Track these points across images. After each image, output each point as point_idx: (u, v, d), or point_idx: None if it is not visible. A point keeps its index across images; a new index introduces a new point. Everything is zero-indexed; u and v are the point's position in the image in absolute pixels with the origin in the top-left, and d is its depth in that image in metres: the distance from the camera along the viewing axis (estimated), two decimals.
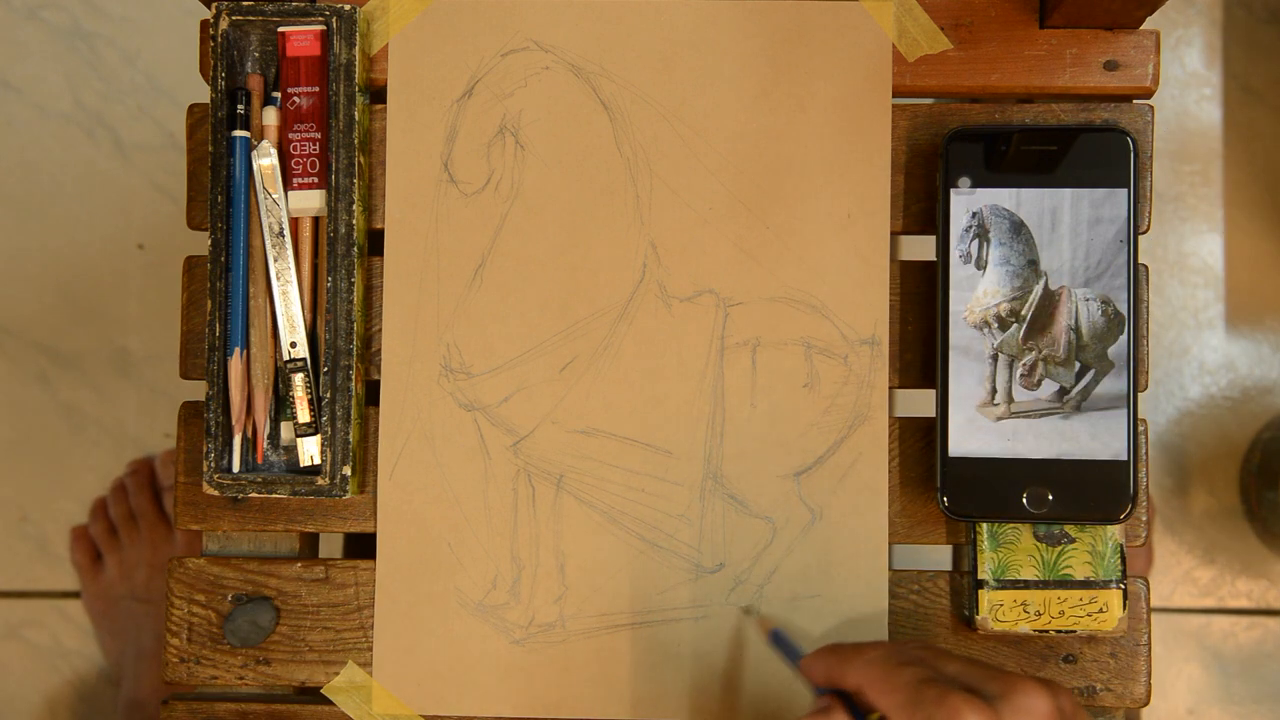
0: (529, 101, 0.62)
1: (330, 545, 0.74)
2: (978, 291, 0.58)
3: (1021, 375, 0.58)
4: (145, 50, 1.15)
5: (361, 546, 0.75)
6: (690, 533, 0.60)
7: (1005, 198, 0.58)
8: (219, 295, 0.59)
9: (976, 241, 0.58)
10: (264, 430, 0.60)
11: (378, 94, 0.63)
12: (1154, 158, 0.70)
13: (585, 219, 0.61)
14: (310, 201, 0.60)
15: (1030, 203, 0.58)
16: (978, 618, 0.59)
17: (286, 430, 0.60)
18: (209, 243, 0.60)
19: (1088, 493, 0.58)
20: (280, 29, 0.60)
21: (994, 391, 0.58)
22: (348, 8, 0.60)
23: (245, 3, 0.60)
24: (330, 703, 0.61)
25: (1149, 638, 0.60)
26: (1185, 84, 1.13)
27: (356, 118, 0.60)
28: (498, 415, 0.61)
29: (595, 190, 0.61)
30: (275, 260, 0.60)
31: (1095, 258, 0.58)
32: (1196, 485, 1.11)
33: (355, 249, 0.60)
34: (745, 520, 0.60)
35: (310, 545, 0.64)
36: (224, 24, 0.60)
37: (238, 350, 0.59)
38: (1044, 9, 0.61)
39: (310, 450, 0.59)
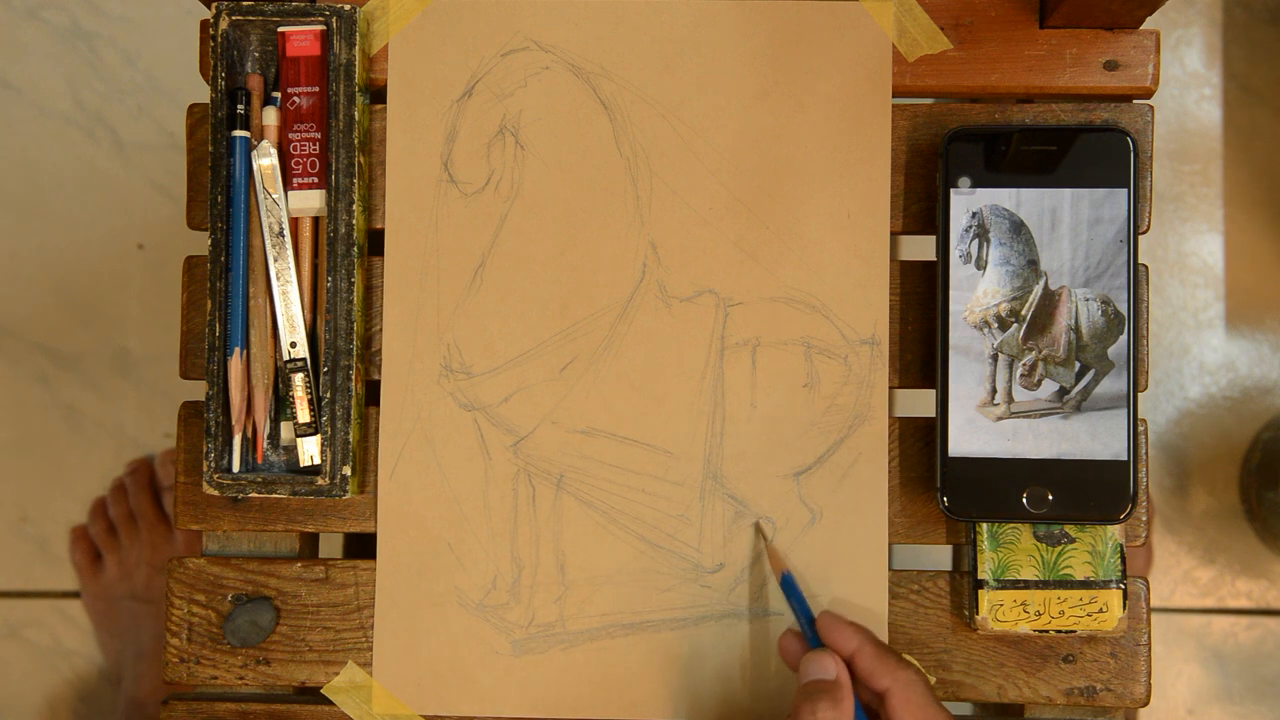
0: (529, 101, 0.62)
1: (330, 545, 0.74)
2: (978, 291, 0.58)
3: (1021, 375, 0.58)
4: (145, 50, 1.15)
5: (361, 546, 0.75)
6: (690, 533, 0.60)
7: (1005, 198, 0.58)
8: (219, 295, 0.59)
9: (976, 241, 0.58)
10: (264, 430, 0.60)
11: (378, 94, 0.63)
12: (1154, 158, 0.70)
13: (585, 219, 0.61)
14: (310, 201, 0.60)
15: (1030, 203, 0.58)
16: (978, 618, 0.59)
17: (286, 430, 0.60)
18: (209, 243, 0.60)
19: (1088, 493, 0.58)
20: (280, 29, 0.60)
21: (994, 391, 0.58)
22: (348, 8, 0.60)
23: (245, 3, 0.60)
24: (330, 703, 0.61)
25: (1149, 638, 0.60)
26: (1185, 84, 1.13)
27: (356, 118, 0.60)
28: (498, 415, 0.61)
29: (595, 190, 0.61)
30: (275, 260, 0.60)
31: (1095, 258, 0.58)
32: (1196, 485, 1.11)
33: (355, 249, 0.60)
34: (745, 520, 0.60)
35: (310, 545, 0.64)
36: (224, 24, 0.60)
37: (238, 350, 0.59)
38: (1044, 9, 0.61)
39: (310, 450, 0.59)
